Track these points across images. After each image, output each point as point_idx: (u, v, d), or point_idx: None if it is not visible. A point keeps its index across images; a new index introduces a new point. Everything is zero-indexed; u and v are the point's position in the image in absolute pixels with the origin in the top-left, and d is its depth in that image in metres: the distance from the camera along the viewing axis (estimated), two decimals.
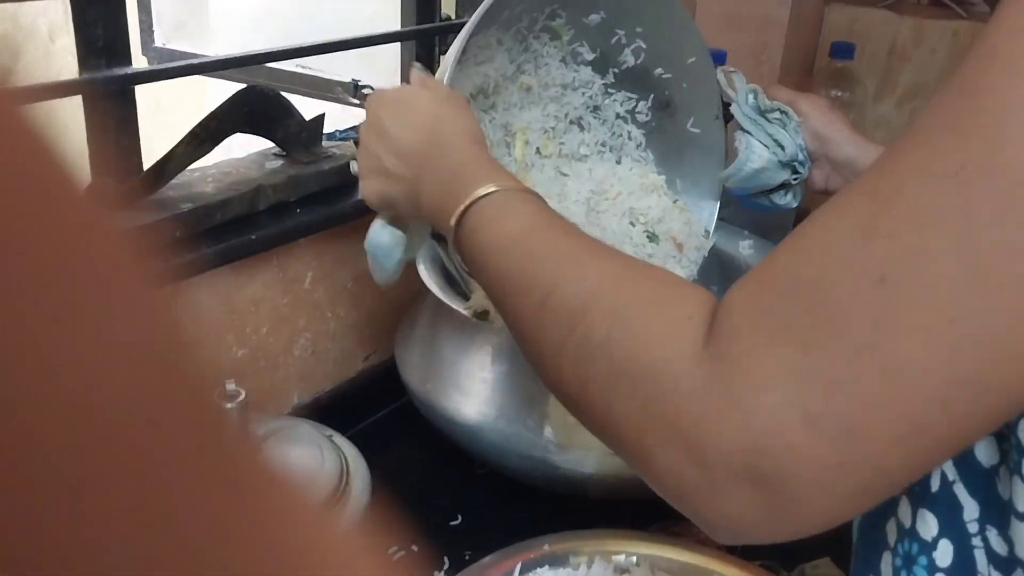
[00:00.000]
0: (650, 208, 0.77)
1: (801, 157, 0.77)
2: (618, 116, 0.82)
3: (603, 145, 0.82)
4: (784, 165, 0.77)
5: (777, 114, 0.76)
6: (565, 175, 0.79)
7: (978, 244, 0.32)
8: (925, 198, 0.33)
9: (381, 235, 0.64)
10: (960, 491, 0.39)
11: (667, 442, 0.38)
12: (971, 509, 0.39)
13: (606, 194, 0.77)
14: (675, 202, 0.80)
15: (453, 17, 1.00)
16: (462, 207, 0.51)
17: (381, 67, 1.08)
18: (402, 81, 0.91)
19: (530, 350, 0.47)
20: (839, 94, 1.23)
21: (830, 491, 0.35)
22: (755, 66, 1.23)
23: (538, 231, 0.49)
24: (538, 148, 0.79)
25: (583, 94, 0.80)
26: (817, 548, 0.72)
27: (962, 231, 0.32)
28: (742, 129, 0.77)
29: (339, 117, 0.97)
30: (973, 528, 0.39)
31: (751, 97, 0.77)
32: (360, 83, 1.03)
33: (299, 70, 1.15)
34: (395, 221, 0.64)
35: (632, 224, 0.76)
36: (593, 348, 0.41)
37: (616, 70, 0.81)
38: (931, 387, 0.33)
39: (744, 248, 0.87)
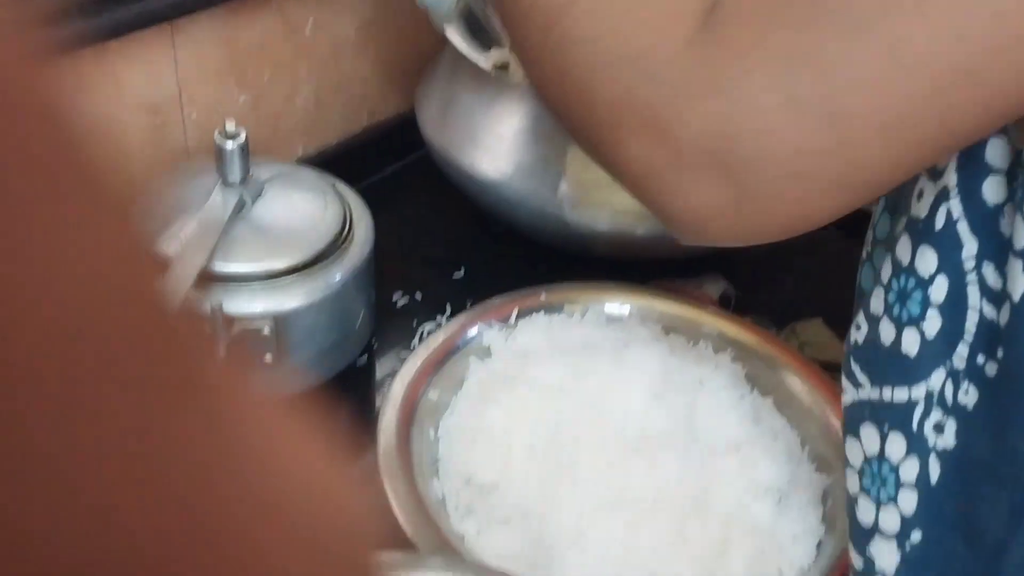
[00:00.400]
0: None
1: None
2: None
3: None
4: None
5: None
6: None
7: None
8: None
9: None
10: (963, 228, 0.39)
11: (640, 128, 0.37)
12: (971, 246, 0.39)
13: None
14: None
15: None
16: None
17: None
18: None
19: (521, 52, 0.45)
20: None
21: (803, 181, 0.35)
22: None
23: None
24: None
25: None
26: (809, 308, 0.74)
27: None
28: None
29: None
30: (969, 265, 0.39)
31: None
32: None
33: None
34: None
35: None
36: (574, 42, 0.40)
37: None
38: (927, 74, 0.32)
39: None
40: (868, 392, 0.43)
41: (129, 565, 0.15)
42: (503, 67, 0.73)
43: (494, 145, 0.72)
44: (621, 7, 0.39)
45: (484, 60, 0.73)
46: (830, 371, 0.65)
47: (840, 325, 0.72)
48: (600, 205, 0.69)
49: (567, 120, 0.42)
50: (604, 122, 0.39)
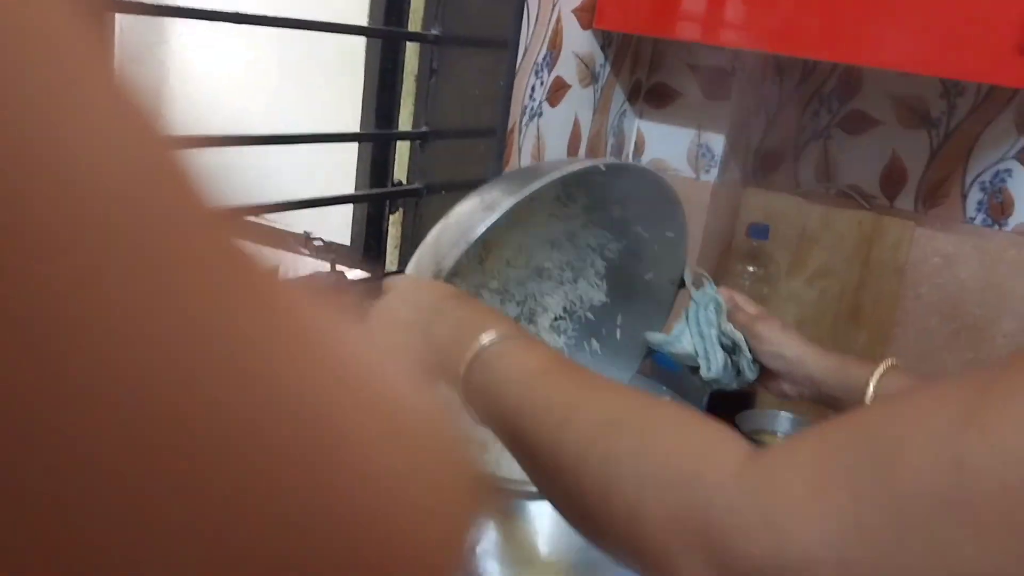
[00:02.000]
0: None
1: (724, 380, 0.82)
2: (588, 246, 0.87)
3: (567, 264, 0.87)
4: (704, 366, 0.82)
5: (728, 341, 0.81)
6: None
7: None
8: None
9: None
10: None
11: (695, 550, 0.38)
12: None
13: None
14: None
15: (404, 182, 1.09)
16: (479, 343, 0.53)
17: (333, 221, 1.16)
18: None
19: (544, 472, 0.47)
20: (754, 270, 1.35)
21: None
22: None
23: (559, 363, 0.52)
24: (507, 260, 0.85)
25: (566, 223, 0.86)
26: None
27: None
28: (687, 319, 0.82)
29: (290, 266, 1.03)
30: None
31: (711, 310, 0.82)
32: (311, 234, 1.10)
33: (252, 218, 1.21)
34: None
35: None
36: (621, 456, 0.42)
37: (602, 214, 0.86)
38: None
39: None
40: None
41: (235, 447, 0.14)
42: None
43: None
44: (665, 428, 0.42)
45: None
46: None
47: None
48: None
49: (606, 536, 0.43)
50: (653, 537, 0.40)
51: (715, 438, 0.42)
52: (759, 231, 1.31)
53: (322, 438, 0.16)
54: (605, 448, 0.43)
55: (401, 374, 0.20)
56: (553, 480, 0.46)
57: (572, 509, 0.46)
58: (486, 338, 0.53)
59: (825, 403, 0.79)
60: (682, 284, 0.84)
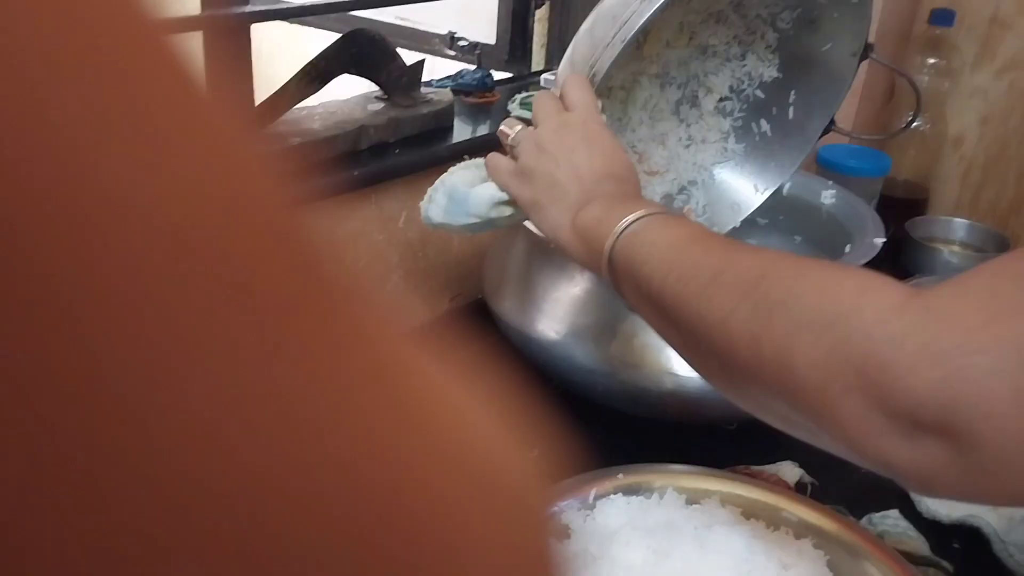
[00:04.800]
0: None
1: None
2: (759, 16, 0.80)
3: (734, 39, 0.81)
4: None
5: None
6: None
7: None
8: None
9: (485, 190, 0.65)
10: None
11: (854, 389, 0.37)
12: None
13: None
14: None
15: None
16: (624, 222, 0.52)
17: (478, 19, 1.11)
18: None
19: (691, 327, 0.46)
20: (935, 62, 1.22)
21: (1022, 469, 0.34)
22: None
23: (703, 233, 0.51)
24: (667, 41, 0.79)
25: None
26: (884, 499, 0.73)
27: None
28: None
29: (436, 67, 1.01)
30: None
31: None
32: (456, 35, 1.07)
33: (397, 22, 1.19)
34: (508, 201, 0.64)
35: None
36: (772, 305, 0.40)
37: None
38: None
39: (827, 197, 0.87)
40: None
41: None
42: None
43: (552, 310, 0.76)
44: (818, 273, 0.41)
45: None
46: (911, 563, 0.65)
47: (915, 516, 0.71)
48: (652, 367, 0.72)
49: (759, 385, 0.42)
50: (808, 384, 0.38)
51: (873, 279, 0.39)
52: (943, 17, 1.18)
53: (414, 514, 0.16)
54: (755, 300, 0.41)
55: (485, 416, 0.19)
56: (700, 342, 0.46)
57: (720, 369, 0.45)
58: (631, 217, 0.52)
59: None
60: (866, 55, 0.76)
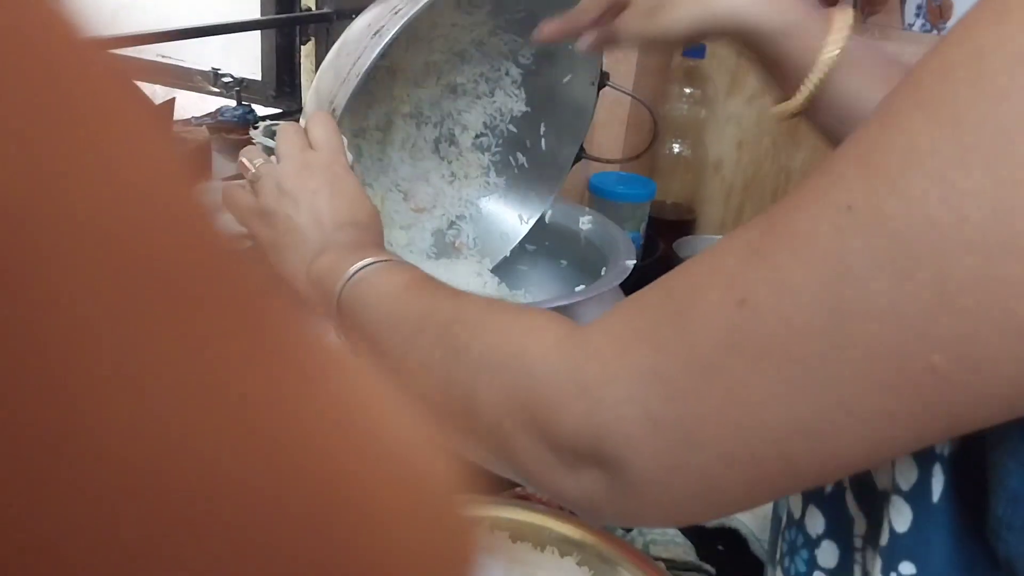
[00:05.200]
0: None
1: None
2: (500, 53, 0.83)
3: (481, 76, 0.83)
4: None
5: None
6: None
7: (841, 291, 0.30)
8: (806, 225, 0.31)
9: (223, 221, 0.65)
10: (851, 502, 0.39)
11: (524, 426, 0.38)
12: (860, 524, 0.39)
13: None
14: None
15: (313, 8, 1.02)
16: (362, 263, 0.52)
17: (245, 55, 1.09)
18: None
19: (406, 373, 0.47)
20: (692, 91, 1.31)
21: (667, 490, 0.35)
22: (614, 63, 1.29)
23: (420, 280, 0.51)
24: (416, 81, 0.80)
25: (471, 32, 0.81)
26: None
27: (830, 274, 0.30)
28: None
29: (198, 105, 0.98)
30: (858, 543, 0.39)
31: None
32: (220, 71, 1.04)
33: (159, 59, 1.14)
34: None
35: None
36: (459, 347, 0.42)
37: (508, 16, 0.81)
38: (767, 425, 0.32)
39: (584, 223, 0.91)
40: None
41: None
42: None
43: None
44: (499, 315, 0.42)
45: None
46: (675, 569, 0.68)
47: None
48: None
49: (459, 431, 0.42)
50: (489, 422, 0.39)
51: (542, 318, 0.40)
52: (695, 51, 1.27)
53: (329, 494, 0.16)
54: (446, 343, 0.42)
55: (407, 416, 0.20)
56: (412, 387, 0.46)
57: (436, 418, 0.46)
58: (360, 264, 0.52)
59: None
60: (603, 84, 0.80)
